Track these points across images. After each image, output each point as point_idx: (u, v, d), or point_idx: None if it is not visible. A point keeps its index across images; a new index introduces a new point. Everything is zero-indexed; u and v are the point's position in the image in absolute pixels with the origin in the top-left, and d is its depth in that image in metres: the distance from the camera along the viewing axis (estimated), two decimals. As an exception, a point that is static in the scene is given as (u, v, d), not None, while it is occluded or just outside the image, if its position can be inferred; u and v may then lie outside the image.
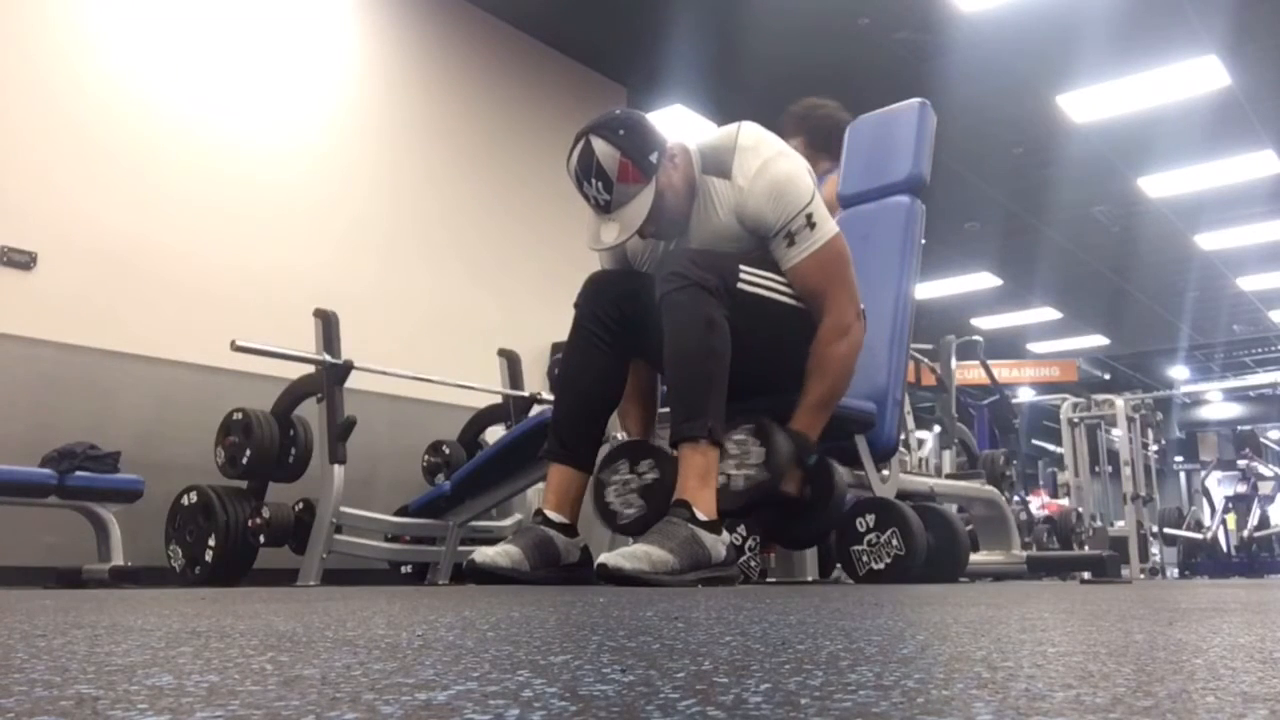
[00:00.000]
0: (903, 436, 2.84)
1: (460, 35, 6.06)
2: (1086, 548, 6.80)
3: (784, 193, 2.05)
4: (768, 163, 2.07)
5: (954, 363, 6.36)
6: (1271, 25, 6.22)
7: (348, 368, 3.75)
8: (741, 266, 2.05)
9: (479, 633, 0.75)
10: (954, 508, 3.21)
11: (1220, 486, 10.73)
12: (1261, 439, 12.24)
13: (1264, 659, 0.58)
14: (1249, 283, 11.29)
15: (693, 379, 1.96)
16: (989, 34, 6.23)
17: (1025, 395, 12.44)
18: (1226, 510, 9.59)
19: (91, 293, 4.18)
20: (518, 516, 4.16)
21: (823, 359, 2.10)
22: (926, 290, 10.72)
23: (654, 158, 2.04)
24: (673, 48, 6.43)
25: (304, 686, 0.44)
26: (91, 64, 4.37)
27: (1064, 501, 8.56)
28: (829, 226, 2.10)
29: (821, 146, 3.29)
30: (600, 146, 2.01)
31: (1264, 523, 9.15)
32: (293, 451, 3.84)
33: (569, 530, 2.09)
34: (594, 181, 2.02)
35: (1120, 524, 7.50)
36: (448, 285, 5.57)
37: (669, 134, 2.14)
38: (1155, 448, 8.49)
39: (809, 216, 2.05)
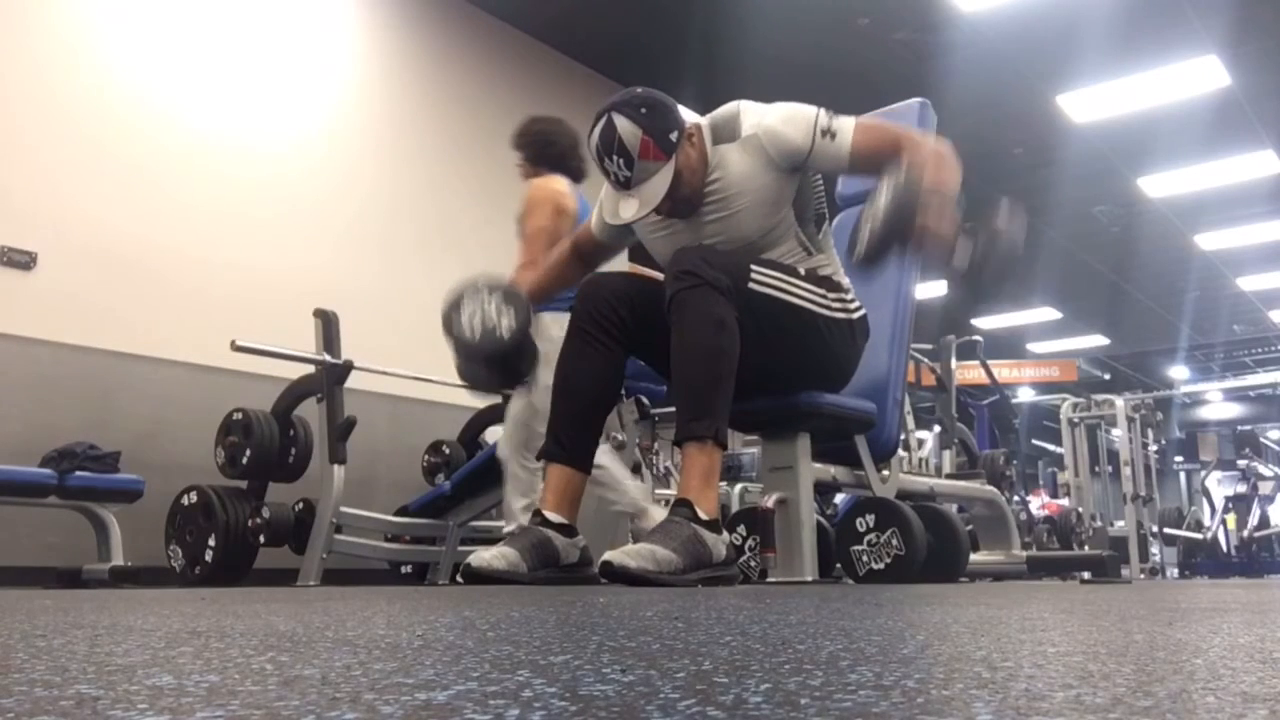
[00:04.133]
0: (903, 436, 2.84)
1: (460, 35, 6.06)
2: (1086, 548, 6.80)
3: (794, 114, 2.11)
4: (769, 109, 2.15)
5: (954, 363, 6.36)
6: (1271, 25, 6.22)
7: (348, 368, 3.75)
8: (753, 266, 2.07)
9: (479, 633, 0.75)
10: (954, 508, 3.21)
11: (1220, 486, 10.73)
12: (1261, 439, 12.24)
13: (1264, 659, 0.58)
14: (1249, 283, 11.29)
15: (700, 379, 1.97)
16: (989, 34, 6.23)
17: (1025, 395, 12.44)
18: (1226, 510, 9.58)
19: (91, 293, 4.18)
20: (518, 516, 4.16)
21: (913, 162, 1.98)
22: (926, 290, 10.72)
23: (674, 136, 2.07)
24: (673, 48, 6.44)
25: (304, 686, 0.44)
26: (92, 64, 4.37)
27: (1064, 501, 8.56)
28: (848, 116, 2.13)
29: (537, 160, 3.37)
30: (622, 124, 2.04)
31: (1264, 523, 9.14)
32: (293, 451, 3.85)
33: (568, 530, 2.09)
34: (615, 158, 2.05)
35: (1120, 524, 7.50)
36: (447, 285, 5.56)
37: (686, 114, 2.17)
38: (1155, 448, 8.48)
39: (829, 114, 2.11)
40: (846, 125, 2.09)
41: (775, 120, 2.11)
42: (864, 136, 2.08)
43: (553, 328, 3.19)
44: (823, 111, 2.10)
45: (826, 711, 0.38)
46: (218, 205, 4.67)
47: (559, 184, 3.27)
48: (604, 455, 3.14)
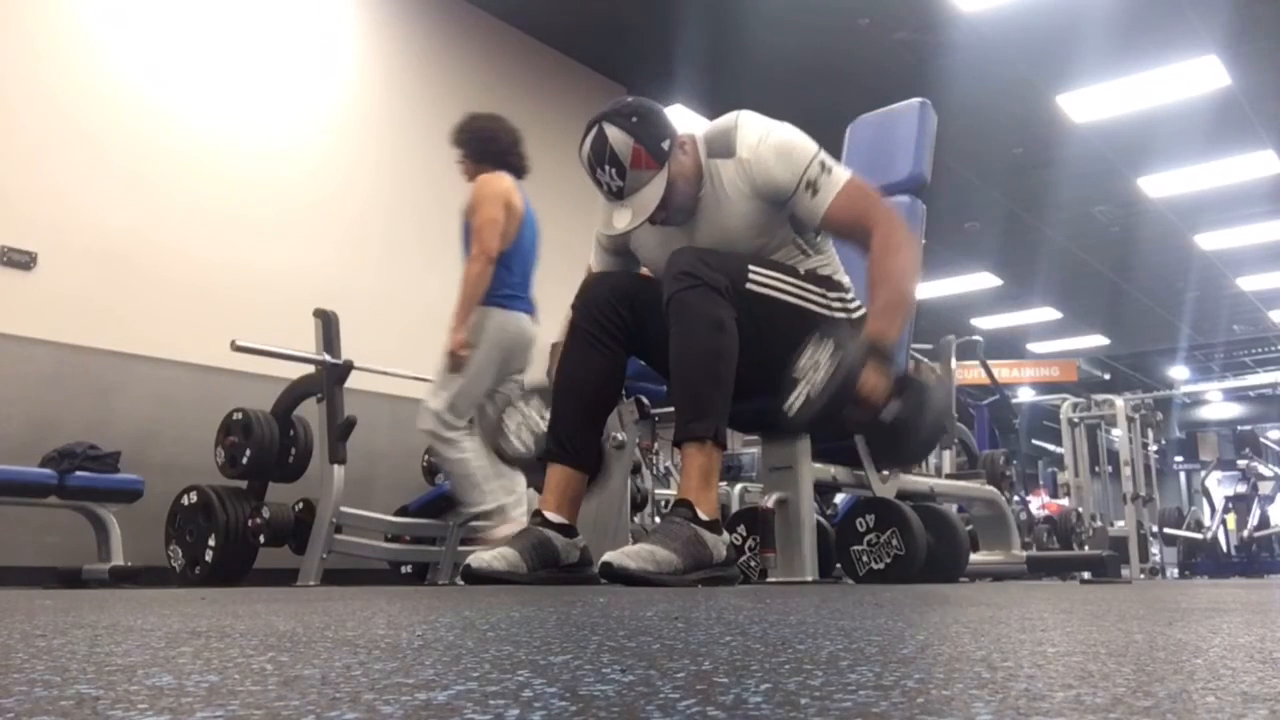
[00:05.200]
0: (902, 436, 2.84)
1: (460, 35, 6.06)
2: (1086, 548, 6.79)
3: (789, 150, 2.06)
4: (767, 133, 2.09)
5: (954, 363, 6.36)
6: (1271, 25, 6.22)
7: (348, 368, 3.75)
8: (750, 266, 2.05)
9: (479, 633, 0.75)
10: (954, 508, 3.20)
11: (1220, 486, 10.72)
12: (1261, 439, 12.23)
13: (1264, 659, 0.58)
14: (1249, 283, 11.29)
15: (699, 380, 1.96)
16: (989, 34, 6.23)
17: (1025, 395, 12.44)
18: (1226, 510, 9.58)
19: (91, 293, 4.18)
20: (517, 516, 4.16)
21: (879, 271, 2.02)
22: (926, 290, 10.72)
23: (666, 145, 2.05)
24: (673, 48, 6.44)
25: (304, 686, 0.44)
26: (92, 64, 4.37)
27: (1064, 501, 8.56)
28: (844, 170, 2.10)
29: (480, 157, 3.40)
30: (614, 133, 2.02)
31: (1264, 523, 9.14)
32: (293, 451, 3.85)
33: (568, 530, 2.09)
34: (607, 168, 2.02)
35: (1120, 524, 7.49)
36: (448, 285, 5.55)
37: (678, 125, 2.14)
38: (1155, 448, 8.48)
39: (822, 164, 2.06)
40: (832, 184, 2.05)
41: (769, 151, 2.06)
42: (842, 204, 2.05)
43: (489, 322, 3.22)
44: (818, 160, 2.05)
45: (826, 711, 0.38)
46: (218, 205, 4.67)
47: (507, 181, 3.33)
48: (467, 448, 3.18)
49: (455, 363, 3.19)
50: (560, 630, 0.79)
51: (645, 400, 3.03)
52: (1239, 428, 13.52)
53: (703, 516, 1.88)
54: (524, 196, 3.38)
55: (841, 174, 2.08)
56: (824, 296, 2.16)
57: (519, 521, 3.12)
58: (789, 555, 2.35)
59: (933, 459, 6.70)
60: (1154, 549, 7.64)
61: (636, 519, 4.24)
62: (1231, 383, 16.42)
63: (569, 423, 2.16)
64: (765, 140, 2.07)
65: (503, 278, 3.28)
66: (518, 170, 3.43)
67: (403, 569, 4.40)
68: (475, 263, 3.21)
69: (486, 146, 3.40)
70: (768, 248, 2.15)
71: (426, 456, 4.73)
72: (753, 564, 2.77)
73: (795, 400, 1.92)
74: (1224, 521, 9.49)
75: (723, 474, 2.06)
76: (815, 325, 2.11)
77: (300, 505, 3.84)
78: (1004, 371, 11.81)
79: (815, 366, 1.91)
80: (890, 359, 1.96)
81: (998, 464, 6.04)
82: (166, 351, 4.36)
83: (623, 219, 2.04)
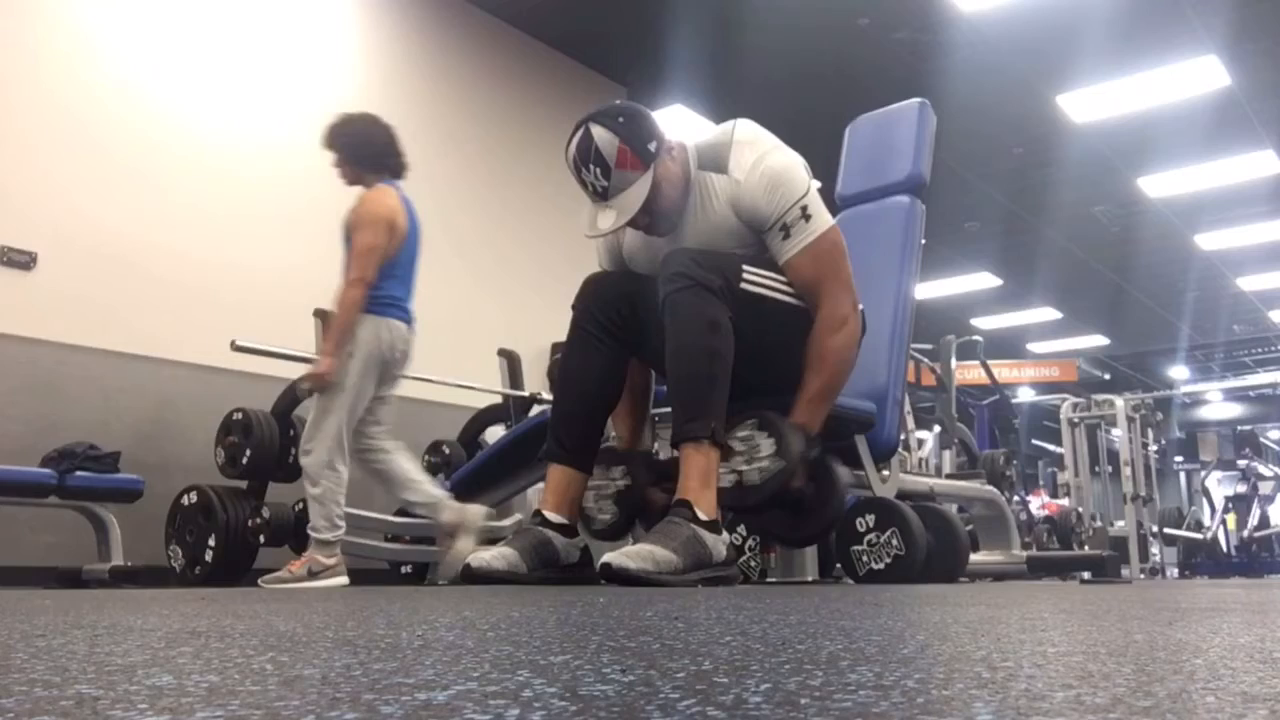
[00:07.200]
0: (903, 436, 2.84)
1: (460, 35, 6.06)
2: (1086, 548, 6.79)
3: (779, 185, 2.05)
4: (763, 156, 2.08)
5: (954, 363, 6.36)
6: (1271, 25, 6.22)
7: (348, 368, 3.75)
8: (745, 266, 2.04)
9: (479, 633, 0.75)
10: (954, 508, 3.21)
11: (1220, 486, 10.73)
12: (1261, 439, 12.24)
13: (1264, 659, 0.58)
14: (1249, 283, 11.29)
15: (695, 380, 1.96)
16: (989, 34, 6.23)
17: (1025, 395, 12.44)
18: (1226, 510, 9.59)
19: (91, 293, 4.18)
20: (518, 516, 4.16)
21: (819, 352, 2.07)
22: (926, 290, 10.72)
23: (652, 146, 2.04)
24: (673, 47, 6.44)
25: (304, 686, 0.44)
26: (92, 64, 4.37)
27: (1064, 501, 8.56)
28: (824, 220, 2.09)
29: (356, 160, 3.27)
30: (599, 133, 2.01)
31: (1264, 523, 9.14)
32: (293, 451, 3.84)
33: (568, 531, 2.09)
34: (592, 168, 2.02)
35: (1120, 524, 7.49)
36: (448, 285, 5.56)
37: (667, 131, 2.13)
38: (1155, 448, 8.48)
39: (804, 209, 2.05)
40: (805, 235, 2.05)
41: (760, 179, 2.05)
42: (805, 260, 2.06)
43: (362, 331, 3.14)
44: (801, 204, 2.05)
45: (826, 711, 0.38)
46: (218, 205, 4.67)
47: (391, 198, 3.21)
48: (395, 455, 3.17)
49: (320, 385, 3.10)
50: (560, 630, 0.79)
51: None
52: (1239, 428, 13.52)
53: (702, 516, 1.88)
54: (407, 207, 3.27)
55: (818, 225, 2.07)
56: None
57: (337, 564, 3.15)
58: (789, 555, 2.35)
59: (933, 459, 6.71)
60: (1154, 549, 7.64)
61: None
62: (1231, 383, 16.42)
63: (570, 423, 2.17)
64: (759, 165, 2.06)
65: (380, 286, 3.19)
66: (396, 170, 3.32)
67: (403, 569, 4.39)
68: (353, 289, 3.07)
69: (361, 150, 3.27)
70: (765, 252, 2.15)
71: (426, 456, 4.73)
72: (753, 564, 2.77)
73: (724, 476, 1.98)
74: (1224, 521, 9.50)
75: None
76: (809, 324, 2.11)
77: (300, 505, 3.84)
78: (1004, 371, 11.81)
79: (753, 453, 1.98)
80: (812, 450, 2.06)
81: (998, 464, 6.05)
82: (166, 351, 4.36)
83: (607, 219, 2.03)
